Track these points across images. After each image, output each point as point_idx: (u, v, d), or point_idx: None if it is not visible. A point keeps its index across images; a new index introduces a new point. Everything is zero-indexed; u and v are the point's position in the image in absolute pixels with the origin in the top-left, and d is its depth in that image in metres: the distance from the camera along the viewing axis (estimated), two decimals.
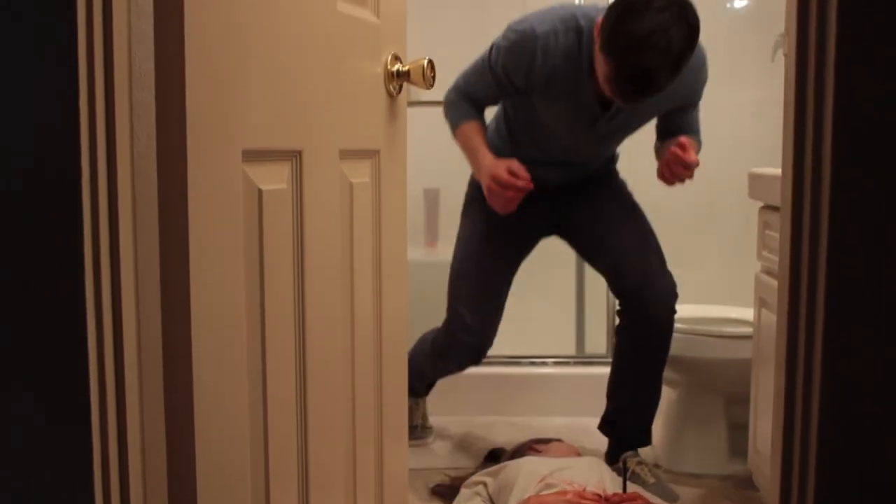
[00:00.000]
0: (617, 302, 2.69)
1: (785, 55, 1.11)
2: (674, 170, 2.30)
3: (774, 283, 2.17)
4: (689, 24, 2.09)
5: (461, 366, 2.75)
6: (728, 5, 4.20)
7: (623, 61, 2.10)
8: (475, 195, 2.68)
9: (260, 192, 1.21)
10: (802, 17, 1.07)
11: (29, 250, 0.95)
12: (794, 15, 1.08)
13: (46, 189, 0.94)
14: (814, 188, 1.05)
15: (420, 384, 2.98)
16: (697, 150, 2.51)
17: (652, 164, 2.51)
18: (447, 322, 2.70)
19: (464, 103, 2.55)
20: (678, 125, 2.54)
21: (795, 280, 1.08)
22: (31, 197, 0.94)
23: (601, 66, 2.18)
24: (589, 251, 2.72)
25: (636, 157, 2.85)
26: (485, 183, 2.40)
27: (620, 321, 2.65)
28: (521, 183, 2.31)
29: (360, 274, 1.53)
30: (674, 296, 2.60)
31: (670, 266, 2.63)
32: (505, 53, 2.40)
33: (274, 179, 1.26)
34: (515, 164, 2.35)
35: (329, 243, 1.42)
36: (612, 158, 2.79)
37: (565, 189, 2.69)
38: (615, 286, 2.65)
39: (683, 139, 2.26)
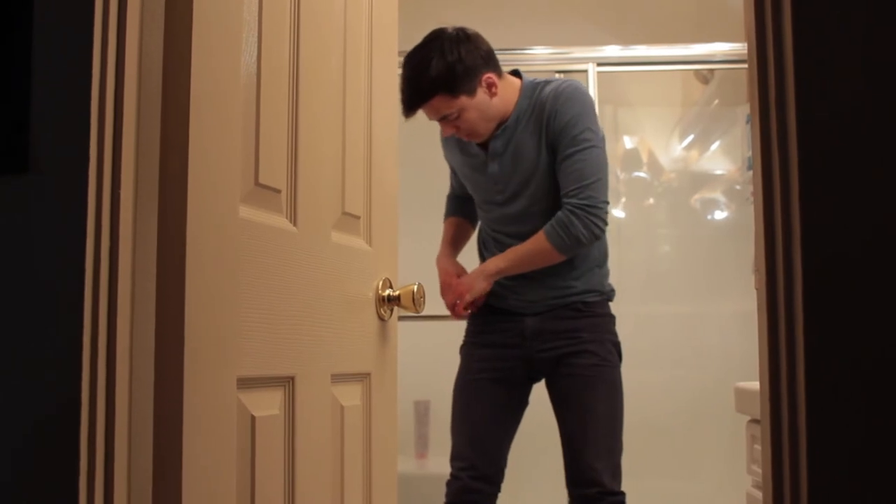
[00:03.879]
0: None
1: (757, 289, 1.17)
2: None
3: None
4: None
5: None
6: (708, 217, 4.32)
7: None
8: (465, 338, 2.70)
9: (253, 418, 1.24)
10: (770, 254, 1.14)
11: None
12: (762, 249, 1.16)
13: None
14: (790, 407, 1.09)
15: None
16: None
17: (638, 378, 2.52)
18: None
19: (449, 200, 2.89)
20: (564, 179, 2.53)
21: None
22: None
23: None
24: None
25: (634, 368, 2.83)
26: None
27: None
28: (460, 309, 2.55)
29: (350, 492, 1.54)
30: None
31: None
32: None
33: (267, 405, 1.29)
34: (460, 281, 2.56)
35: (320, 465, 1.43)
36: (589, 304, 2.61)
37: (538, 339, 2.58)
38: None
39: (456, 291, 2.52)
